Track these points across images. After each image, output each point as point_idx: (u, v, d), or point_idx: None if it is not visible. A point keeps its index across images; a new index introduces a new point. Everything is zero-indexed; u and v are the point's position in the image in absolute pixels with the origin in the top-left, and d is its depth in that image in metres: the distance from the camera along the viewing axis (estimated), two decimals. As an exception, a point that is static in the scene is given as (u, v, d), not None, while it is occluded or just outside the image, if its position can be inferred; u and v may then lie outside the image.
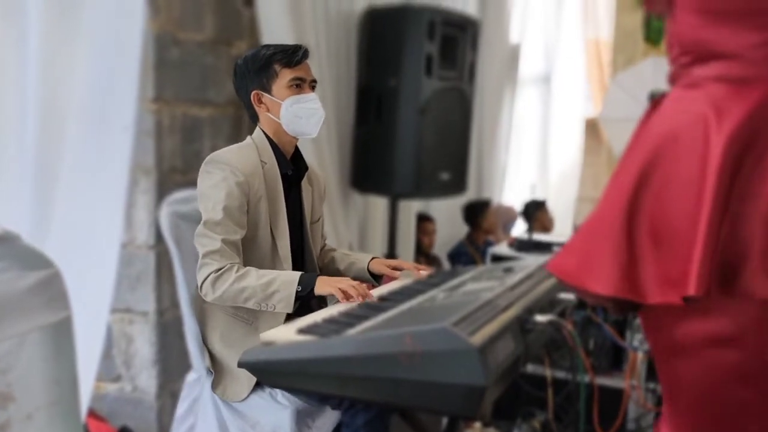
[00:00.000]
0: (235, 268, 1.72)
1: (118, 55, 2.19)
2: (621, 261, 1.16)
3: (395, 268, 2.00)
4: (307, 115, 1.84)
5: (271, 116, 1.85)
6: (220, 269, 1.71)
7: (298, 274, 1.74)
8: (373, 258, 2.03)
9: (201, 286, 1.73)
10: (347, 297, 1.72)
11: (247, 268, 1.74)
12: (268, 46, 1.86)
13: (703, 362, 1.16)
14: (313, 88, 1.87)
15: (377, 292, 1.82)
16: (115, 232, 2.27)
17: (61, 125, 2.15)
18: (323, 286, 1.73)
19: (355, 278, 1.95)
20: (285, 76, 1.82)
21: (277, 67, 1.82)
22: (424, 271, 2.06)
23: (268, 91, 1.84)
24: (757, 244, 1.08)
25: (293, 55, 1.83)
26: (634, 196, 1.17)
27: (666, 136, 1.17)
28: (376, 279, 2.02)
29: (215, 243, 1.72)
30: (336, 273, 2.03)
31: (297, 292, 1.70)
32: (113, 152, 2.20)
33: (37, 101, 2.10)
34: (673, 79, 1.26)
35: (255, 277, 1.71)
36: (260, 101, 1.85)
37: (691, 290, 1.08)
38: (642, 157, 1.18)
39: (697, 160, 1.12)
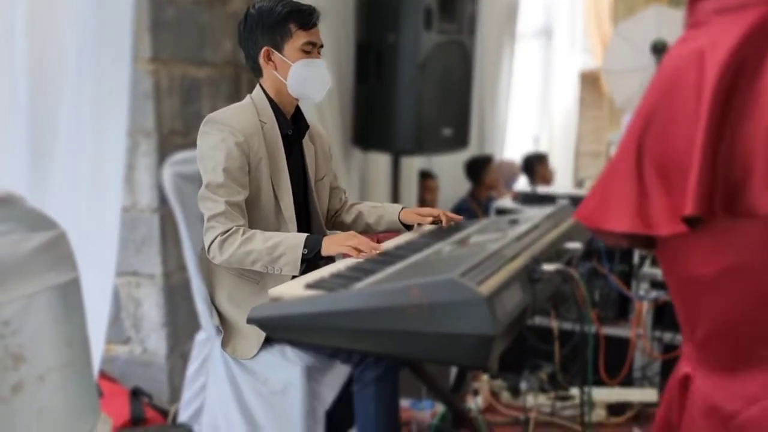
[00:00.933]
0: (241, 230, 1.71)
1: (108, 16, 2.14)
2: (633, 198, 1.19)
3: (425, 215, 1.99)
4: (315, 80, 1.82)
5: (278, 75, 1.82)
6: (227, 232, 1.70)
7: (303, 236, 1.73)
8: (403, 208, 2.02)
9: (208, 249, 1.72)
10: (358, 252, 1.71)
11: (253, 230, 1.73)
12: (284, 3, 1.80)
13: (719, 292, 1.18)
14: (320, 52, 1.84)
15: (384, 246, 1.82)
16: (115, 193, 2.26)
17: (54, 89, 2.11)
18: (330, 246, 1.72)
19: (386, 231, 1.94)
20: (299, 37, 1.79)
21: (292, 26, 1.78)
22: (452, 219, 2.03)
23: (280, 50, 1.80)
24: (757, 162, 1.10)
25: (309, 17, 1.80)
26: (641, 136, 1.20)
27: (668, 76, 1.20)
28: (408, 228, 2.02)
29: (219, 205, 1.71)
30: (366, 227, 2.02)
31: (303, 254, 1.70)
32: (108, 114, 2.17)
33: (27, 63, 2.06)
34: (686, 19, 1.27)
35: (261, 240, 1.70)
36: (269, 58, 1.81)
37: (689, 209, 1.10)
38: (649, 101, 1.21)
39: (693, 92, 1.13)
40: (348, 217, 2.06)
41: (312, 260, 1.74)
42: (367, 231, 2.03)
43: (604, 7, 7.44)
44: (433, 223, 2.02)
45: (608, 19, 7.40)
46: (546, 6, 6.38)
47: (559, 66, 6.81)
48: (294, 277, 1.76)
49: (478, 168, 4.79)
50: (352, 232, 1.80)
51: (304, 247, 1.70)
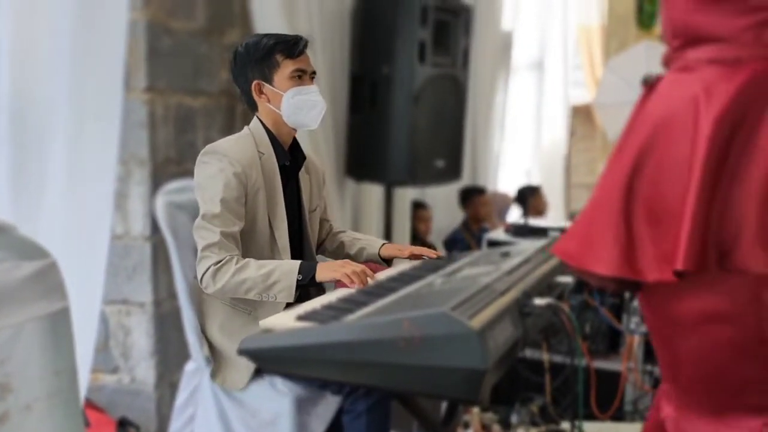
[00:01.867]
0: (235, 260, 1.71)
1: (101, 44, 2.14)
2: (620, 242, 1.19)
3: (409, 253, 2.00)
4: (309, 107, 1.84)
5: (272, 107, 1.84)
6: (220, 261, 1.70)
7: (297, 263, 1.73)
8: (383, 244, 2.03)
9: (201, 279, 1.72)
10: (352, 281, 1.71)
11: (247, 259, 1.73)
12: (269, 36, 1.84)
13: (702, 339, 1.18)
14: (312, 79, 1.86)
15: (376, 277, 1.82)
16: (104, 220, 2.24)
17: (40, 114, 2.09)
18: (324, 272, 1.72)
19: (365, 263, 1.95)
20: (287, 66, 1.81)
21: (278, 57, 1.81)
22: (436, 254, 2.04)
23: (270, 81, 1.82)
24: (749, 221, 1.11)
25: (295, 46, 1.82)
26: (631, 179, 1.20)
27: (660, 119, 1.20)
28: (388, 264, 2.02)
29: (214, 236, 1.71)
30: (346, 258, 2.02)
31: (298, 281, 1.70)
32: (97, 142, 2.16)
33: (11, 87, 2.04)
34: (667, 62, 1.29)
35: (255, 268, 1.70)
36: (261, 91, 1.84)
37: (680, 264, 1.11)
38: (638, 141, 1.21)
39: (688, 142, 1.14)
40: (330, 246, 2.07)
41: (306, 286, 1.74)
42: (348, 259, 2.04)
43: (596, 42, 7.56)
44: (415, 257, 2.03)
45: (600, 53, 7.51)
46: (540, 39, 6.47)
47: (552, 98, 6.89)
48: (286, 307, 1.77)
49: (470, 199, 4.82)
50: (346, 260, 1.81)
51: (299, 273, 1.70)
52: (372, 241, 2.06)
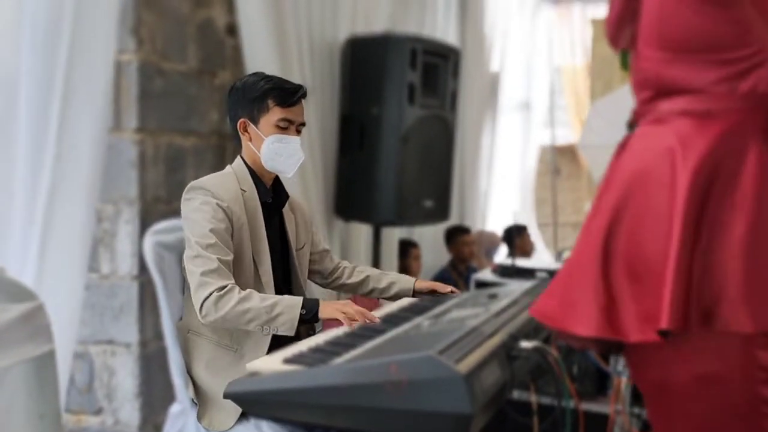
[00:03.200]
0: (237, 289, 1.71)
1: (85, 83, 2.10)
2: (600, 301, 1.18)
3: (433, 291, 2.06)
4: (287, 155, 1.86)
5: (252, 147, 1.87)
6: (223, 288, 1.69)
7: (300, 298, 1.75)
8: (416, 281, 2.07)
9: (201, 306, 1.69)
10: (351, 322, 1.72)
11: (249, 290, 1.73)
12: (268, 78, 1.86)
13: (694, 400, 1.16)
14: (299, 131, 1.88)
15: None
16: (80, 261, 2.17)
17: (10, 150, 2.01)
18: (327, 309, 1.73)
19: (396, 297, 2.01)
20: (276, 113, 1.83)
21: (270, 102, 1.83)
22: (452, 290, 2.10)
23: (255, 122, 1.85)
24: (730, 278, 1.09)
25: (290, 96, 1.84)
26: (608, 237, 1.19)
27: (635, 173, 1.20)
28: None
29: (212, 263, 1.70)
30: (372, 291, 2.06)
31: (301, 315, 1.70)
32: (74, 183, 2.10)
33: None
34: (638, 115, 1.28)
35: (258, 300, 1.70)
36: (245, 130, 1.87)
37: (664, 323, 1.10)
38: (613, 197, 1.21)
39: (665, 195, 1.14)
40: (355, 279, 2.08)
41: (308, 321, 1.74)
42: (371, 294, 2.07)
43: (581, 82, 7.69)
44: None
45: (585, 94, 7.63)
46: (526, 80, 6.58)
47: (538, 138, 6.97)
48: (271, 347, 1.76)
49: (454, 238, 4.84)
50: (348, 301, 1.81)
51: (302, 307, 1.71)
52: (401, 278, 2.09)
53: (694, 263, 1.09)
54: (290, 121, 1.85)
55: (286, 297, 1.76)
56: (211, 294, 1.68)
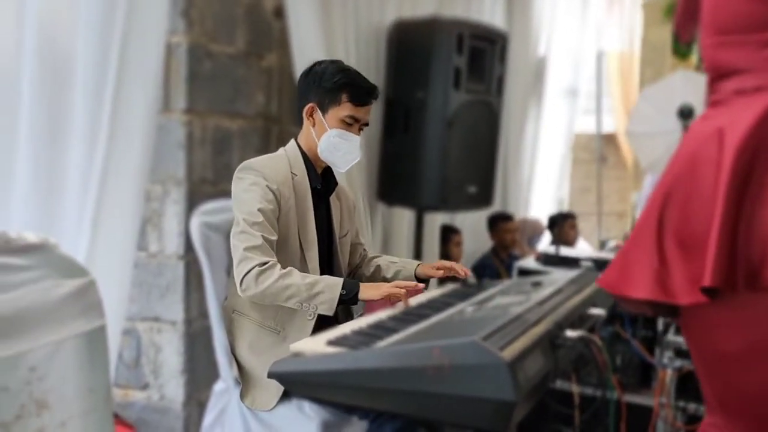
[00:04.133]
0: (278, 265, 1.72)
1: (136, 64, 2.13)
2: (654, 267, 1.24)
3: (440, 268, 2.00)
4: (345, 151, 1.86)
5: (313, 133, 1.87)
6: (264, 264, 1.71)
7: (340, 279, 1.75)
8: (419, 264, 2.04)
9: (242, 281, 1.71)
10: (394, 301, 1.72)
11: (290, 267, 1.74)
12: (347, 72, 1.85)
13: (749, 370, 1.18)
14: (361, 129, 1.89)
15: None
16: (130, 238, 2.20)
17: (64, 130, 2.05)
18: (368, 291, 1.73)
19: None
20: (345, 109, 1.84)
21: (344, 96, 1.83)
22: (466, 272, 2.03)
23: (324, 111, 1.85)
24: None
25: (364, 96, 1.85)
26: (662, 212, 1.26)
27: (688, 154, 1.26)
28: (424, 283, 2.02)
29: (256, 239, 1.72)
30: (383, 282, 2.03)
31: (341, 295, 1.71)
32: (124, 162, 2.13)
33: (33, 106, 1.99)
34: (707, 96, 1.33)
35: (299, 277, 1.72)
36: (311, 115, 1.87)
37: (707, 281, 1.13)
38: (669, 177, 1.28)
39: (713, 170, 1.19)
40: (367, 271, 2.08)
41: (347, 303, 1.75)
42: None
43: (630, 70, 7.52)
44: (449, 278, 2.03)
45: (635, 81, 7.47)
46: (573, 65, 6.45)
47: (581, 126, 6.85)
48: (314, 331, 1.78)
49: (496, 225, 4.80)
50: (394, 282, 1.80)
51: (342, 288, 1.72)
52: (407, 263, 2.07)
53: (739, 230, 1.15)
54: (356, 120, 1.86)
55: (327, 277, 1.77)
56: (252, 268, 1.70)
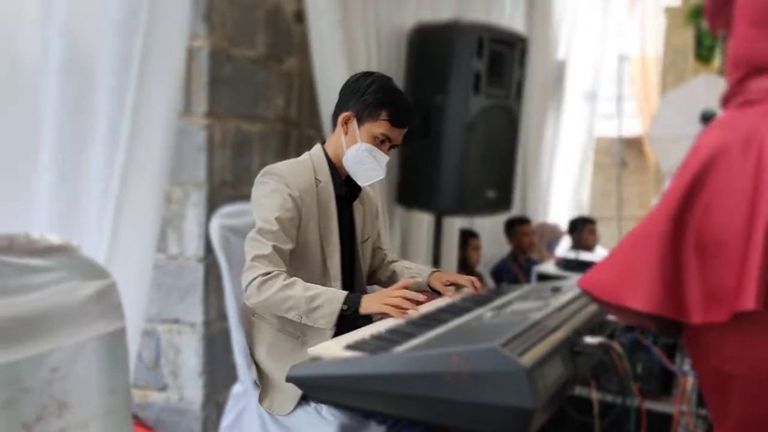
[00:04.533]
0: (282, 276, 1.72)
1: (158, 69, 2.13)
2: (665, 276, 1.12)
3: (452, 284, 2.00)
4: (370, 167, 1.87)
5: (344, 141, 1.88)
6: (268, 274, 1.71)
7: (344, 292, 1.74)
8: (433, 272, 2.03)
9: (246, 288, 1.73)
10: (400, 312, 1.71)
11: (294, 278, 1.74)
12: (392, 91, 1.86)
13: (755, 394, 1.12)
14: (390, 149, 1.89)
15: (424, 308, 1.82)
16: (150, 240, 2.20)
17: (85, 132, 2.05)
18: (369, 305, 1.72)
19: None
20: (381, 126, 1.84)
21: (383, 113, 1.83)
22: (478, 286, 2.02)
23: (360, 123, 1.85)
24: None
25: (403, 119, 1.85)
26: (681, 211, 1.14)
27: (717, 150, 1.15)
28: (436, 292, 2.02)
29: (266, 248, 1.73)
30: None
31: (342, 310, 1.70)
32: (144, 164, 2.13)
33: (59, 105, 2.00)
34: (727, 98, 1.24)
35: (301, 289, 1.71)
36: (346, 123, 1.87)
37: (750, 304, 1.04)
38: (690, 173, 1.16)
39: (749, 173, 1.09)
40: (383, 275, 2.08)
41: (351, 317, 1.73)
42: None
43: (651, 73, 7.46)
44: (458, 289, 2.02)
45: (656, 85, 7.41)
46: (593, 69, 6.41)
47: (601, 130, 6.81)
48: (335, 335, 1.78)
49: (514, 229, 4.78)
50: (398, 284, 1.79)
51: (344, 303, 1.71)
52: (421, 270, 2.06)
53: None
54: (389, 139, 1.86)
55: (331, 290, 1.75)
56: (256, 278, 1.71)
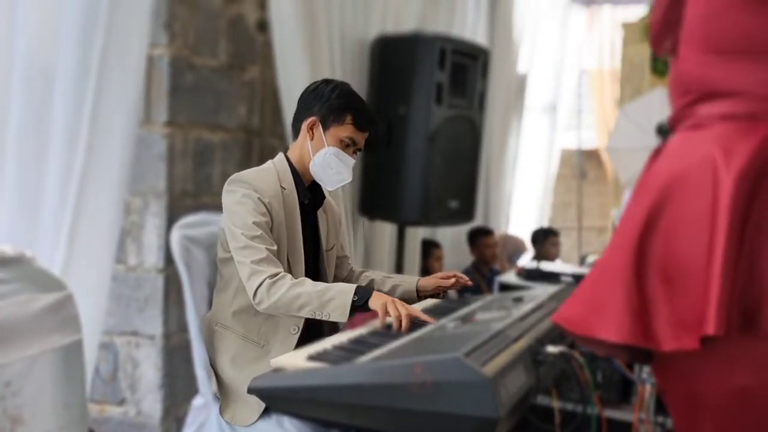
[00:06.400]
0: (289, 276, 1.73)
1: (116, 78, 2.11)
2: (632, 306, 1.12)
3: (442, 278, 2.03)
4: (336, 171, 1.88)
5: (309, 147, 1.88)
6: (275, 275, 1.72)
7: (353, 285, 1.76)
8: (418, 280, 2.04)
9: (255, 294, 1.72)
10: (385, 316, 1.71)
11: (302, 277, 1.76)
12: (353, 97, 1.88)
13: (727, 416, 1.11)
14: (356, 153, 1.91)
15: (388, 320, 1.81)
16: (107, 252, 2.17)
17: (42, 143, 2.01)
18: (377, 300, 1.73)
19: (402, 299, 1.95)
20: (347, 130, 1.86)
21: (348, 117, 1.85)
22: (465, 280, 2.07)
23: (325, 128, 1.86)
24: None
25: (367, 123, 1.88)
26: (642, 240, 1.14)
27: (673, 178, 1.15)
28: (420, 298, 2.03)
29: (261, 252, 1.73)
30: None
31: (353, 301, 1.71)
32: (102, 174, 2.10)
33: (19, 115, 1.97)
34: (675, 121, 1.24)
35: (310, 285, 1.72)
36: (311, 129, 1.87)
37: (710, 329, 1.03)
38: (648, 201, 1.16)
39: (707, 200, 1.09)
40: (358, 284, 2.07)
41: (359, 309, 1.74)
42: None
43: (608, 87, 7.61)
44: (438, 295, 2.04)
45: (613, 97, 7.56)
46: (553, 82, 6.52)
47: (561, 142, 6.92)
48: (298, 344, 1.77)
49: (477, 240, 4.82)
50: (410, 308, 1.78)
51: (354, 294, 1.71)
52: (405, 279, 2.07)
53: (738, 268, 1.05)
54: (354, 143, 1.88)
55: (337, 284, 1.78)
56: (263, 281, 1.71)
